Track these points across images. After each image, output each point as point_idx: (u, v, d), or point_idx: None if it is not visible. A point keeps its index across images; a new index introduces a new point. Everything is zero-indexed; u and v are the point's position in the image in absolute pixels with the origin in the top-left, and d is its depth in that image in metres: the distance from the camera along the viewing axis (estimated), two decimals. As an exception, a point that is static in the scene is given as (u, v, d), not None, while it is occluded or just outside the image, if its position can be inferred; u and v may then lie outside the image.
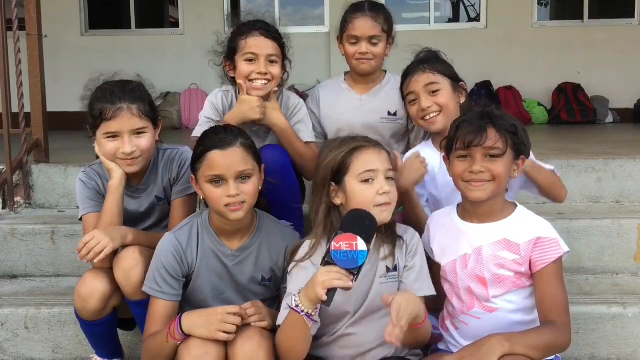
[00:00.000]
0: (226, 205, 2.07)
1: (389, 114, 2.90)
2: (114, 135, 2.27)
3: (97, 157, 2.39)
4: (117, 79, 2.37)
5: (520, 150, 2.04)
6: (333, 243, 1.77)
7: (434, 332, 2.35)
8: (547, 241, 2.00)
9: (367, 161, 2.00)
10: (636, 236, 2.91)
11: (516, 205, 2.11)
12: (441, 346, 2.23)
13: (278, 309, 2.20)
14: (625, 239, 2.92)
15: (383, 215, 1.97)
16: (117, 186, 2.31)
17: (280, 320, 2.00)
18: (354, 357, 2.07)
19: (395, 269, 2.05)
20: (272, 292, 2.26)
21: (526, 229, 2.03)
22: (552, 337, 1.92)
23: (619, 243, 2.92)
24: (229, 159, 2.07)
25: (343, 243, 1.77)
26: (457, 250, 2.11)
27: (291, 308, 1.85)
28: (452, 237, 2.14)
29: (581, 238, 2.88)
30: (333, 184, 2.04)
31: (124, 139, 2.26)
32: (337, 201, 2.04)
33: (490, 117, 2.01)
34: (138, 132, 2.28)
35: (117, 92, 2.27)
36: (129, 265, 2.21)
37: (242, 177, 2.09)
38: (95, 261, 2.20)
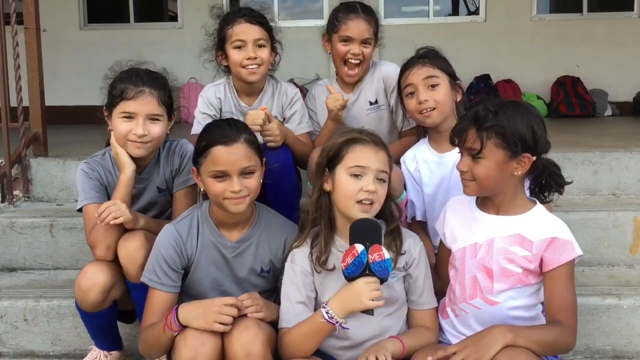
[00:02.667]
0: (228, 198, 2.08)
1: (370, 103, 2.93)
2: (129, 116, 2.31)
3: (107, 145, 2.44)
4: (144, 67, 2.44)
5: (520, 148, 1.98)
6: (369, 256, 1.87)
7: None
8: (562, 242, 1.99)
9: (360, 157, 2.02)
10: (632, 228, 2.92)
11: (535, 203, 2.10)
12: (438, 336, 2.24)
13: (276, 300, 2.22)
14: (621, 231, 2.93)
15: (361, 216, 1.98)
16: (128, 180, 2.34)
17: (284, 323, 2.04)
18: (350, 347, 2.09)
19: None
20: (271, 283, 2.27)
21: (542, 228, 2.02)
22: (557, 336, 1.93)
23: (615, 235, 2.93)
24: (232, 155, 2.07)
25: (375, 255, 1.88)
26: (468, 238, 2.11)
27: (326, 320, 1.91)
28: (466, 224, 2.14)
29: (577, 230, 2.87)
30: (327, 169, 2.07)
31: (139, 121, 2.31)
32: (327, 187, 2.07)
33: (475, 118, 2.00)
34: (153, 118, 2.33)
35: (142, 75, 2.35)
36: (134, 246, 2.24)
37: (246, 172, 2.10)
38: (112, 222, 2.21)
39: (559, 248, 1.99)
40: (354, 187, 1.99)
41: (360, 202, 1.99)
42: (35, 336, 2.67)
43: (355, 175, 2.01)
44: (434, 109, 2.45)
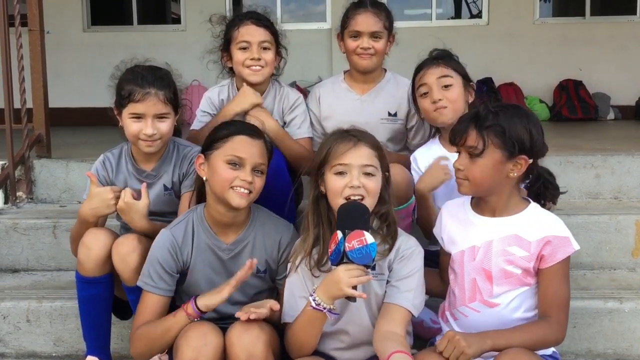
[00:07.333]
0: (234, 187, 2.10)
1: (389, 114, 2.90)
2: (138, 117, 2.37)
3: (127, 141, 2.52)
4: (148, 64, 2.49)
5: (517, 150, 2.01)
6: (346, 244, 1.85)
7: (432, 326, 2.37)
8: (559, 240, 2.01)
9: (341, 155, 2.02)
10: (634, 232, 2.92)
11: (529, 202, 2.11)
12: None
13: (275, 299, 2.22)
14: (623, 234, 2.93)
15: None
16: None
17: (287, 318, 2.06)
18: (348, 348, 2.11)
19: (374, 268, 2.02)
20: (268, 283, 2.28)
21: (538, 227, 2.04)
22: (544, 333, 1.96)
23: (617, 239, 2.93)
24: (254, 148, 2.15)
25: (354, 241, 1.86)
26: (466, 241, 2.12)
27: (313, 308, 1.91)
28: (462, 227, 2.15)
29: (579, 233, 2.87)
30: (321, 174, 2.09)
31: (147, 122, 2.37)
32: (323, 190, 2.09)
33: (475, 118, 2.04)
34: (160, 117, 2.39)
35: (147, 77, 2.39)
36: (126, 250, 2.25)
37: (257, 169, 2.15)
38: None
39: (556, 246, 2.01)
40: (340, 184, 2.01)
41: (347, 198, 1.99)
42: (37, 337, 2.68)
43: (340, 173, 2.02)
44: (447, 107, 2.46)
